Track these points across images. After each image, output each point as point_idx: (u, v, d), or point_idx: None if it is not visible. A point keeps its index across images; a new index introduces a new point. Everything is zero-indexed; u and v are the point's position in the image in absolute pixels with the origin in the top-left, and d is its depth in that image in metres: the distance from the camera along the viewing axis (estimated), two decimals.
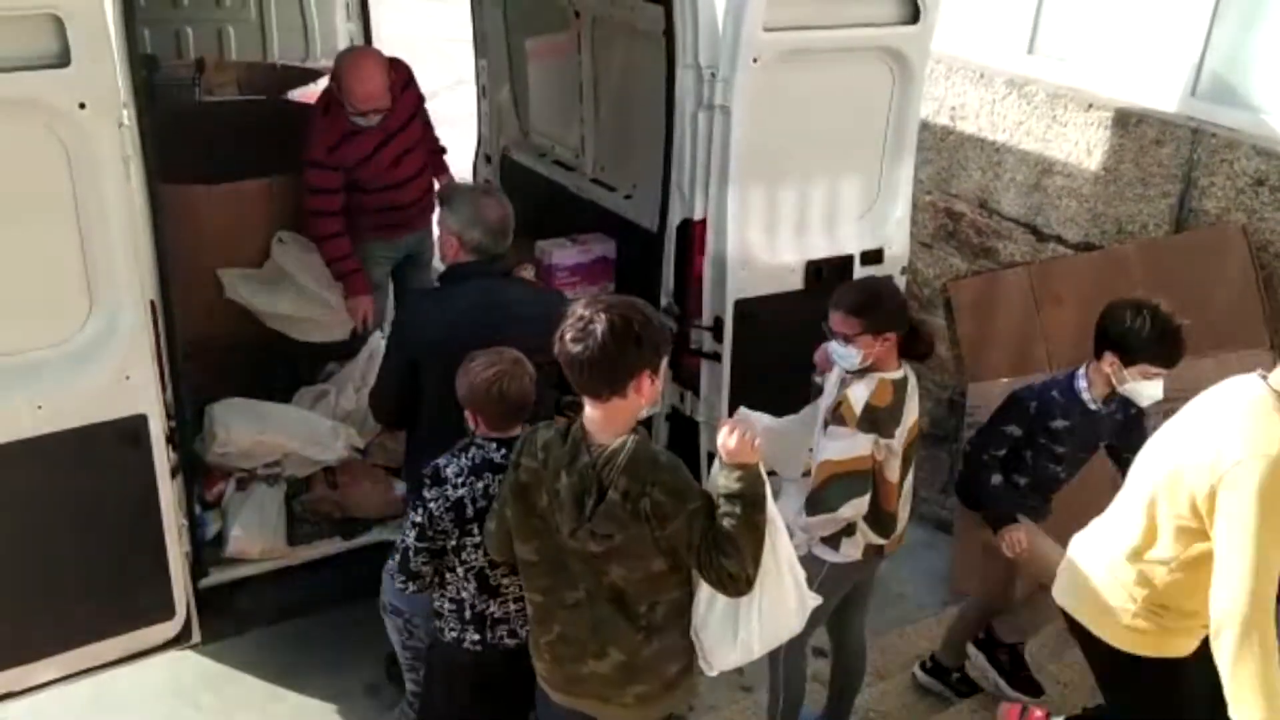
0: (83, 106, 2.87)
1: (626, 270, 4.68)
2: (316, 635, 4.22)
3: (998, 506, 3.59)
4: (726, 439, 2.55)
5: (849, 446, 3.10)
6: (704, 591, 2.66)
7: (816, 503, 3.12)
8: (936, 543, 5.17)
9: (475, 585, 2.89)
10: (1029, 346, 4.91)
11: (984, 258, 5.50)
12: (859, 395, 3.12)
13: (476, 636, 2.92)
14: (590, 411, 2.54)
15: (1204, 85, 4.79)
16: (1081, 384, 3.52)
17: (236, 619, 3.81)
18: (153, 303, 3.20)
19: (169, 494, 3.34)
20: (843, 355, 3.18)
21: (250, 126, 5.06)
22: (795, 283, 4.17)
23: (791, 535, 2.77)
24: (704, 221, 4.01)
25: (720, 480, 2.56)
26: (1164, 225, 4.78)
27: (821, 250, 4.22)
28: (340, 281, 4.52)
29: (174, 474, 3.38)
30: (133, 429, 3.20)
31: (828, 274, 4.18)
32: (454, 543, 2.85)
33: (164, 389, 3.28)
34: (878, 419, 3.12)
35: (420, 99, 4.75)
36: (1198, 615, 2.65)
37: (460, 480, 2.82)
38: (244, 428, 3.99)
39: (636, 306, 2.53)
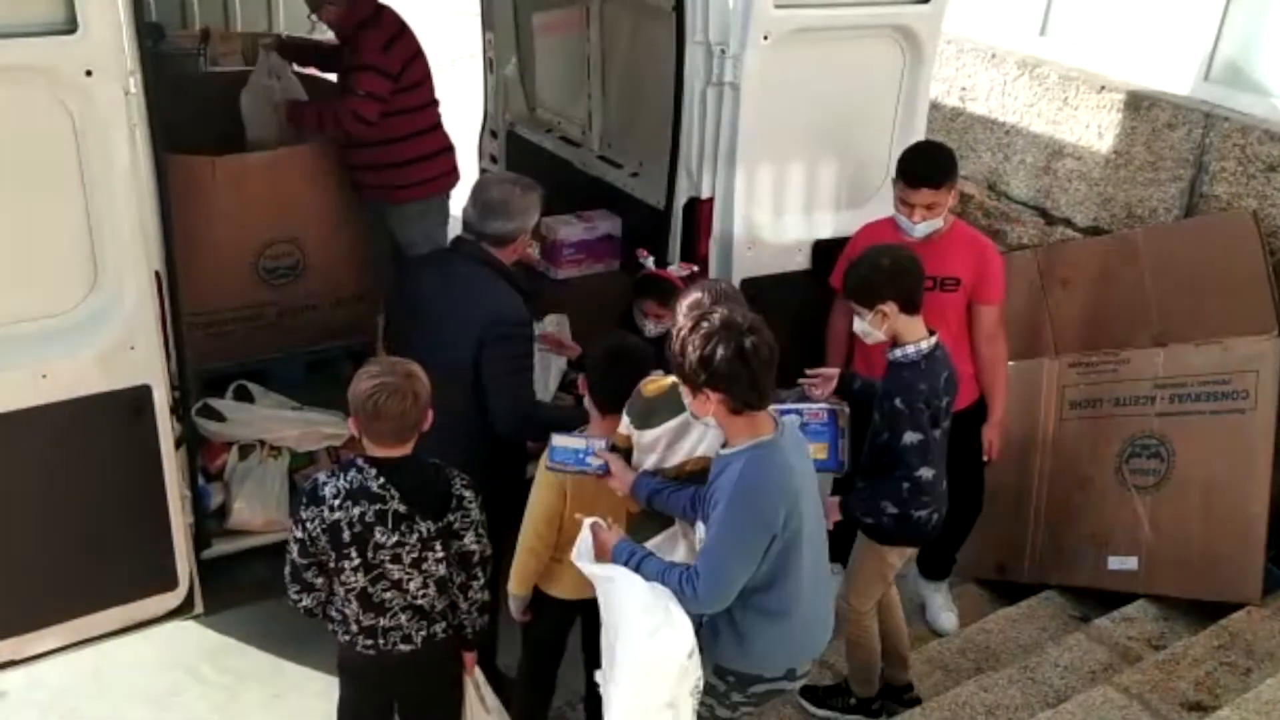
0: (89, 74, 2.84)
1: (632, 248, 4.64)
2: None
3: None
4: None
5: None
6: None
7: None
8: None
9: (358, 605, 2.83)
10: (1035, 330, 4.89)
11: (992, 240, 5.47)
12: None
13: (369, 642, 2.88)
14: None
15: (1218, 69, 4.75)
16: None
17: (239, 590, 3.81)
18: (157, 273, 3.19)
19: (172, 465, 3.34)
20: None
21: None
22: (802, 262, 4.16)
23: None
24: (711, 200, 3.99)
25: None
26: (1174, 210, 4.76)
27: (829, 230, 4.20)
28: None
29: (177, 445, 3.38)
30: (137, 399, 3.20)
31: (834, 254, 4.17)
32: (333, 565, 2.79)
33: (168, 359, 3.27)
34: (635, 404, 3.00)
35: (366, 50, 4.33)
36: None
37: (337, 503, 2.73)
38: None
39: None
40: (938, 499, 3.27)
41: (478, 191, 3.52)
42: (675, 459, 2.92)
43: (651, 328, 3.79)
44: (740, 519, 2.57)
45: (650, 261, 3.92)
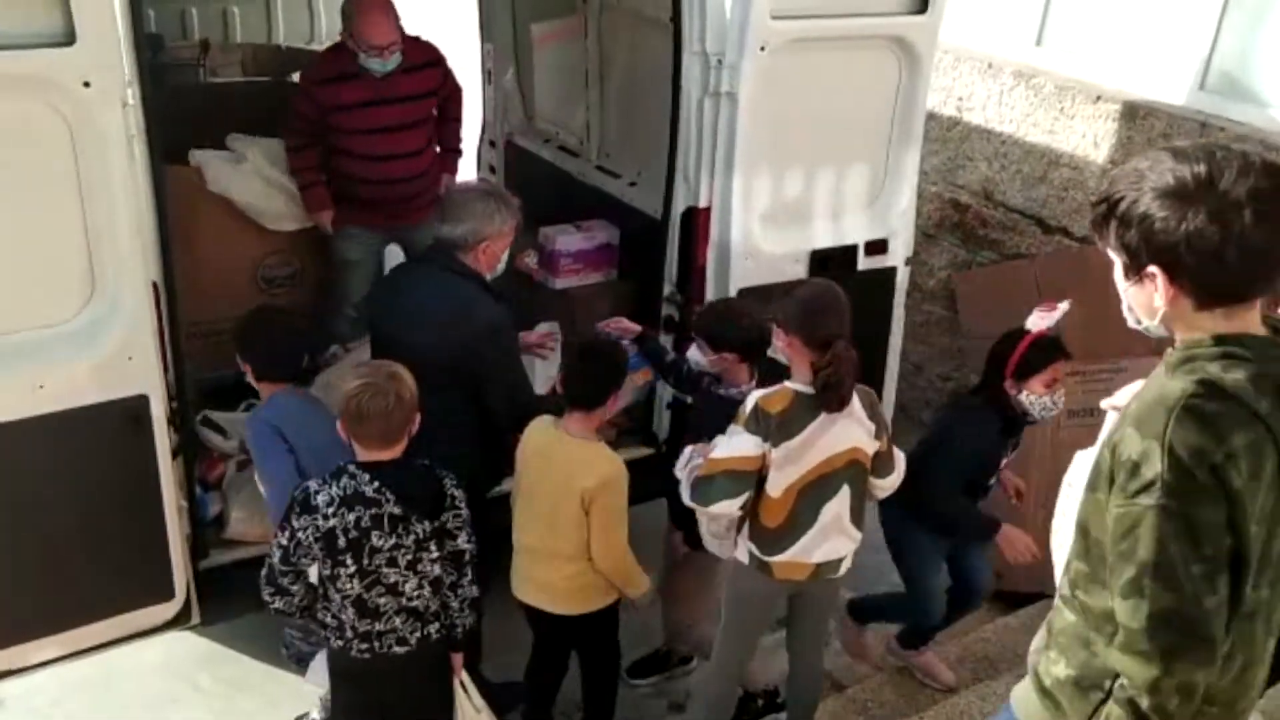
0: (87, 85, 2.86)
1: (630, 258, 4.66)
2: None
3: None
4: None
5: (731, 445, 3.07)
6: None
7: (694, 491, 3.11)
8: None
9: (354, 611, 2.83)
10: None
11: (989, 249, 5.49)
12: (754, 396, 3.10)
13: (365, 646, 2.88)
14: None
15: (1213, 79, 4.77)
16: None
17: (236, 600, 3.81)
18: (155, 283, 3.19)
19: (170, 475, 3.34)
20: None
21: (255, 108, 5.04)
22: (799, 272, 4.16)
23: None
24: (708, 209, 4.00)
25: None
26: None
27: (826, 240, 4.21)
28: (302, 194, 4.48)
29: (175, 455, 3.38)
30: (134, 409, 3.20)
31: (832, 264, 4.18)
32: (328, 572, 2.78)
33: (165, 370, 3.28)
34: (765, 423, 3.03)
35: (446, 86, 4.62)
36: None
37: (331, 510, 2.73)
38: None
39: None
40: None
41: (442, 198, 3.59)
42: (810, 463, 3.05)
43: (1050, 402, 3.49)
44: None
45: (1048, 318, 3.48)
